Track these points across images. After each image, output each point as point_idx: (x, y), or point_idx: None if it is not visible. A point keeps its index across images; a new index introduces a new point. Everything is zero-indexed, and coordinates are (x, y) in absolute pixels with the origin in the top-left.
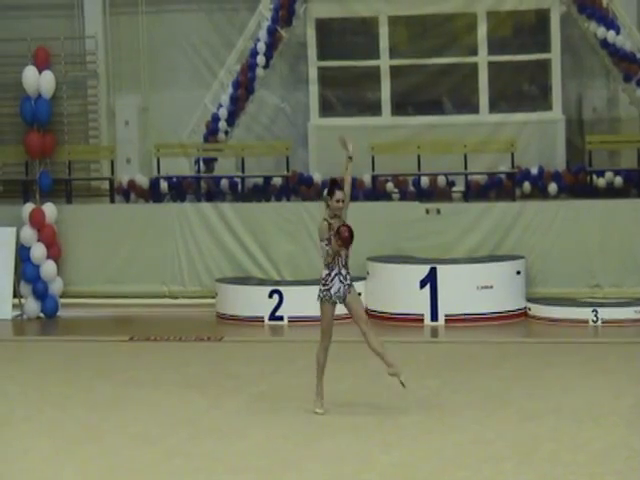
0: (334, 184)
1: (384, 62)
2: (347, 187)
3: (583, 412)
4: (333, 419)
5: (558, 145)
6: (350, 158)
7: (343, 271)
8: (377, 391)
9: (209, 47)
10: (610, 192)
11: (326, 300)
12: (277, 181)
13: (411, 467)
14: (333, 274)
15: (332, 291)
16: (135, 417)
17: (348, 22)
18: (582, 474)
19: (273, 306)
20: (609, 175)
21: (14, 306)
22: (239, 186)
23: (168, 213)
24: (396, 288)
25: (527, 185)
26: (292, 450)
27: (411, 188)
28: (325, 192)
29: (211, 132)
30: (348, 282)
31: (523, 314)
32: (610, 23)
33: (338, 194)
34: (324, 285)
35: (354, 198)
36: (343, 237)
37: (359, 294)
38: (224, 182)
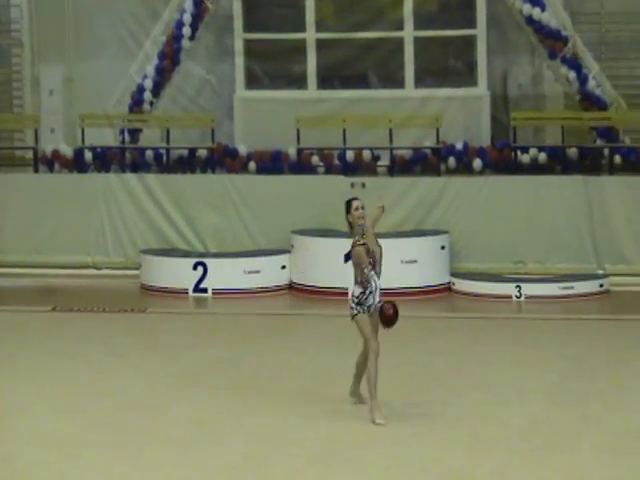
0: (349, 201)
1: (310, 35)
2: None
3: (506, 388)
4: (258, 394)
5: (483, 121)
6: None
7: (377, 284)
8: (302, 365)
9: (135, 17)
10: (534, 168)
11: (363, 313)
12: (202, 153)
13: (336, 442)
14: (368, 292)
15: (367, 304)
16: (58, 388)
17: None
18: (505, 450)
19: (197, 278)
20: (533, 151)
21: None
22: (164, 157)
23: (92, 184)
24: (321, 262)
25: (452, 160)
26: (216, 423)
27: (336, 162)
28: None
29: (136, 103)
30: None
31: (447, 289)
32: (536, 0)
33: (355, 203)
34: (358, 304)
35: (279, 171)
36: (387, 316)
37: (283, 267)
38: (149, 153)
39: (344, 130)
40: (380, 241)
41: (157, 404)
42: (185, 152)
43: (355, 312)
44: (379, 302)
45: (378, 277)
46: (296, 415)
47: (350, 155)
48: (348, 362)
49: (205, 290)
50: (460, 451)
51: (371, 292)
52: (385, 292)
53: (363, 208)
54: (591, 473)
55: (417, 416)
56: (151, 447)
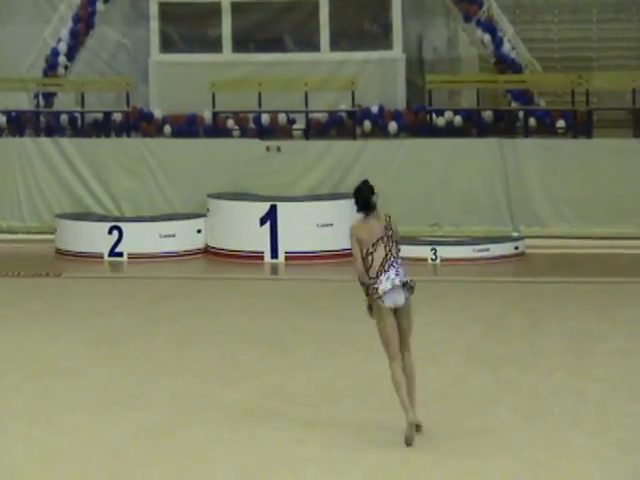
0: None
1: None
2: None
3: (422, 350)
4: (175, 359)
5: (398, 84)
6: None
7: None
8: (218, 329)
9: None
10: (450, 131)
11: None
12: (117, 117)
13: (253, 404)
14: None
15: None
16: None
17: None
18: (421, 412)
19: (113, 242)
20: (449, 114)
21: None
22: (79, 121)
23: (7, 148)
24: (236, 225)
25: (368, 124)
26: (132, 388)
27: (252, 125)
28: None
29: (51, 67)
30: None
31: None
32: None
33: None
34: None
35: (195, 134)
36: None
37: (198, 231)
38: (64, 117)
39: (259, 94)
40: (296, 205)
41: (72, 369)
42: (100, 116)
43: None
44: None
45: (388, 260)
46: (213, 378)
47: (265, 118)
48: (262, 324)
49: (120, 254)
50: (376, 413)
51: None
52: (301, 255)
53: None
54: (506, 435)
55: (333, 379)
56: (66, 412)
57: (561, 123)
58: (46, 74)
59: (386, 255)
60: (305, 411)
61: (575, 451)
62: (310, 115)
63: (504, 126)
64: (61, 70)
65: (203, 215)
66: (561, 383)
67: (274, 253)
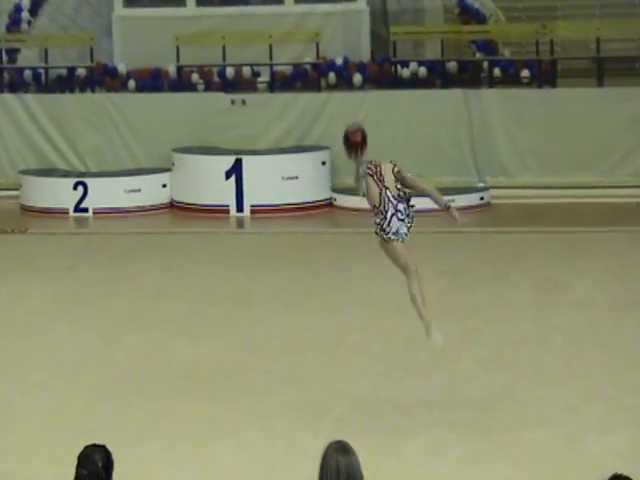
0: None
1: None
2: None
3: (388, 302)
4: (141, 314)
5: (363, 36)
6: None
7: (400, 207)
8: (184, 283)
9: None
10: (415, 82)
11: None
12: (81, 72)
13: (219, 358)
14: (389, 216)
15: (392, 230)
16: None
17: None
18: (388, 363)
19: (78, 198)
20: (413, 65)
21: None
22: (43, 77)
23: None
24: (202, 179)
25: (332, 76)
26: (97, 344)
27: (216, 79)
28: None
29: (14, 22)
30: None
31: (329, 205)
32: None
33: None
34: (382, 230)
35: (159, 89)
36: (353, 142)
37: (164, 185)
38: (27, 73)
39: (224, 47)
40: (261, 159)
41: (37, 326)
42: (64, 71)
43: (380, 239)
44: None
45: (393, 198)
46: (179, 333)
47: (230, 72)
48: (228, 278)
49: (86, 210)
50: (343, 365)
51: (393, 214)
52: (267, 208)
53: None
54: (472, 385)
55: (299, 331)
56: (32, 369)
57: (525, 73)
58: (9, 30)
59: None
60: (272, 364)
61: (540, 400)
62: (275, 68)
63: (469, 77)
64: (24, 26)
65: (168, 169)
66: (526, 333)
67: (239, 207)
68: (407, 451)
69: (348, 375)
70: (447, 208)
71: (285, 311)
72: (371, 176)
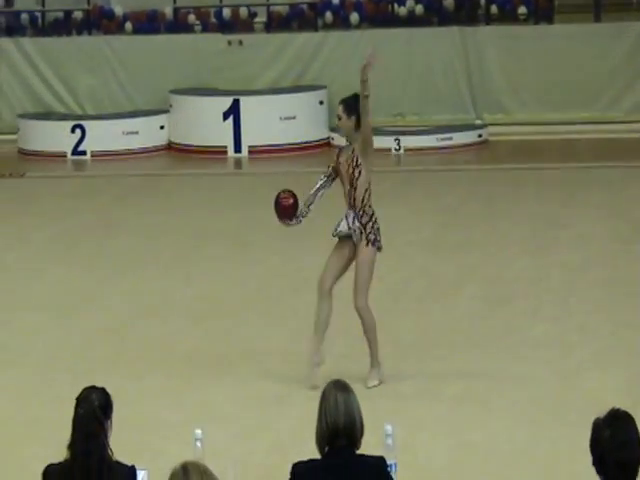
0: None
1: None
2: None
3: (384, 241)
4: (137, 256)
5: None
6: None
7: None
8: (181, 225)
9: None
10: (411, 21)
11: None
12: (78, 15)
13: (215, 298)
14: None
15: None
16: None
17: None
18: (384, 301)
19: (76, 141)
20: (410, 3)
21: None
22: (39, 20)
23: None
24: (199, 120)
25: (329, 15)
26: (94, 286)
27: (213, 20)
28: None
29: None
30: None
31: (327, 144)
32: None
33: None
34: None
35: (156, 31)
36: (283, 206)
37: (161, 127)
38: (24, 17)
39: None
40: (258, 99)
41: (33, 269)
42: (61, 15)
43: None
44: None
45: (349, 198)
46: (174, 274)
47: (227, 13)
48: (226, 219)
49: (84, 153)
50: (339, 304)
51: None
52: (265, 148)
53: (340, 119)
54: (469, 322)
55: (295, 272)
56: (27, 312)
57: (522, 9)
58: None
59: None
60: (268, 304)
61: (537, 337)
62: (271, 8)
63: (465, 14)
64: None
65: (166, 111)
66: (523, 270)
67: (237, 147)
68: (403, 389)
69: (344, 314)
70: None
71: (281, 252)
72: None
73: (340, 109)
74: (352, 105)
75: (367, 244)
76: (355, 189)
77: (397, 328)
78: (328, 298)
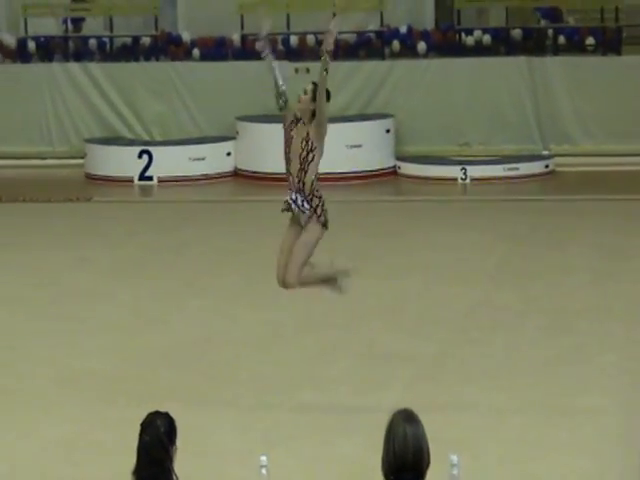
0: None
1: None
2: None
3: (449, 269)
4: (202, 280)
5: (427, 3)
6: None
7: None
8: (246, 251)
9: None
10: (478, 50)
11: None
12: (146, 41)
13: (278, 324)
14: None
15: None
16: (1, 278)
17: None
18: (450, 330)
19: (142, 166)
20: (477, 33)
21: None
22: (107, 46)
23: (36, 73)
24: (265, 147)
25: (396, 44)
26: (159, 310)
27: (280, 47)
28: None
29: None
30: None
31: (393, 173)
32: None
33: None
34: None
35: (223, 57)
36: None
37: (228, 153)
38: (92, 42)
39: (288, 15)
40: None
41: (99, 292)
42: (129, 40)
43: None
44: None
45: (297, 180)
46: (239, 300)
47: (294, 40)
48: None
49: (150, 178)
50: (404, 332)
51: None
52: (331, 177)
53: (305, 93)
54: (533, 352)
55: (359, 299)
56: (92, 334)
57: (590, 40)
58: None
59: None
60: (332, 331)
61: (603, 368)
62: (338, 36)
63: (533, 44)
64: None
65: (232, 138)
66: (588, 300)
67: None
68: (469, 418)
69: (409, 342)
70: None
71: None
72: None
73: (309, 89)
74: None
75: (318, 225)
76: (306, 172)
77: (461, 357)
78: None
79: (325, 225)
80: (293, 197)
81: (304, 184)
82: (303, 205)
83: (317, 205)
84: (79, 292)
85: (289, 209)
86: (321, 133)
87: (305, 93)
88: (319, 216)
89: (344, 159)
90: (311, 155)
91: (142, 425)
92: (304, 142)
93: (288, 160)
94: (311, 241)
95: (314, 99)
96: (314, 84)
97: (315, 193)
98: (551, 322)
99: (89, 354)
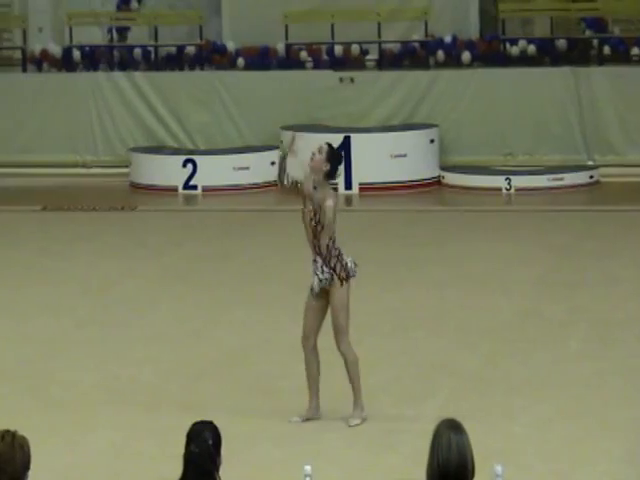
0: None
1: None
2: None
3: (494, 280)
4: (247, 289)
5: (471, 13)
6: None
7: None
8: (290, 260)
9: None
10: (523, 60)
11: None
12: (190, 50)
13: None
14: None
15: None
16: (47, 287)
17: None
18: (494, 341)
19: (187, 175)
20: (522, 43)
21: None
22: (152, 55)
23: (81, 82)
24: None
25: (441, 54)
26: (203, 319)
27: (325, 57)
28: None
29: (124, 1)
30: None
31: (437, 182)
32: None
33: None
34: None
35: (267, 67)
36: None
37: (272, 163)
38: (137, 51)
39: (332, 25)
40: (369, 136)
41: (144, 301)
42: (173, 49)
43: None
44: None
45: (313, 247)
46: (283, 309)
47: (338, 50)
48: None
49: (195, 187)
50: (449, 342)
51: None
52: (375, 186)
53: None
54: (579, 364)
55: (404, 308)
56: (138, 343)
57: (635, 51)
58: (119, 8)
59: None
60: (375, 341)
61: None
62: (383, 45)
63: (578, 54)
64: (134, 4)
65: (276, 147)
66: (634, 311)
67: (348, 184)
68: (514, 428)
69: (453, 352)
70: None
71: (390, 288)
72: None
73: (323, 149)
74: (334, 155)
75: (341, 284)
76: (319, 240)
77: (506, 367)
78: (314, 353)
79: (347, 279)
80: (315, 262)
81: (319, 248)
82: (323, 272)
83: (335, 264)
84: (125, 301)
85: (315, 293)
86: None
87: (320, 152)
88: (339, 274)
89: (388, 169)
90: (320, 226)
91: (189, 435)
92: (313, 214)
93: (305, 228)
94: (342, 304)
95: (328, 160)
96: (329, 145)
97: (332, 253)
98: (596, 333)
99: (135, 363)
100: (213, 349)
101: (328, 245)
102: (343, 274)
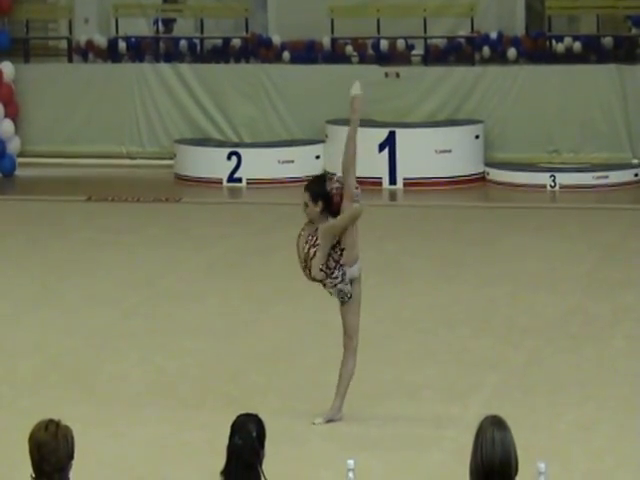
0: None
1: None
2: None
3: (539, 277)
4: (289, 283)
5: (518, 10)
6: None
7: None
8: None
9: None
10: (569, 57)
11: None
12: (236, 43)
13: (368, 330)
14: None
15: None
16: (93, 278)
17: None
18: (539, 338)
19: (232, 168)
20: (568, 40)
21: None
22: (198, 47)
23: (126, 74)
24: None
25: (486, 50)
26: (248, 312)
27: (370, 51)
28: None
29: None
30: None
31: (481, 179)
32: None
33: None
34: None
35: (313, 60)
36: None
37: (317, 157)
38: (183, 43)
39: (378, 20)
40: (414, 132)
41: (190, 293)
42: (219, 42)
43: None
44: None
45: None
46: (328, 304)
47: (384, 45)
48: (380, 250)
49: (239, 180)
50: (494, 340)
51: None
52: (420, 181)
53: (307, 206)
54: (624, 362)
55: (449, 305)
56: (183, 336)
57: None
58: (166, 0)
59: None
60: (420, 337)
61: None
62: (429, 41)
63: (624, 52)
64: None
65: (322, 141)
66: None
67: (392, 179)
68: (558, 426)
69: (498, 350)
70: None
71: (435, 284)
72: None
73: (306, 197)
74: (317, 192)
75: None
76: (310, 270)
77: (551, 365)
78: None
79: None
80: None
81: (314, 279)
82: (343, 281)
83: (338, 283)
84: (171, 293)
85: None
86: (332, 232)
87: (306, 205)
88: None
89: (433, 164)
90: (313, 251)
91: (233, 427)
92: (310, 237)
93: (299, 259)
94: (354, 307)
95: (315, 200)
96: (308, 191)
97: (331, 275)
98: None
99: (180, 355)
100: (258, 342)
101: (321, 270)
102: (347, 288)
